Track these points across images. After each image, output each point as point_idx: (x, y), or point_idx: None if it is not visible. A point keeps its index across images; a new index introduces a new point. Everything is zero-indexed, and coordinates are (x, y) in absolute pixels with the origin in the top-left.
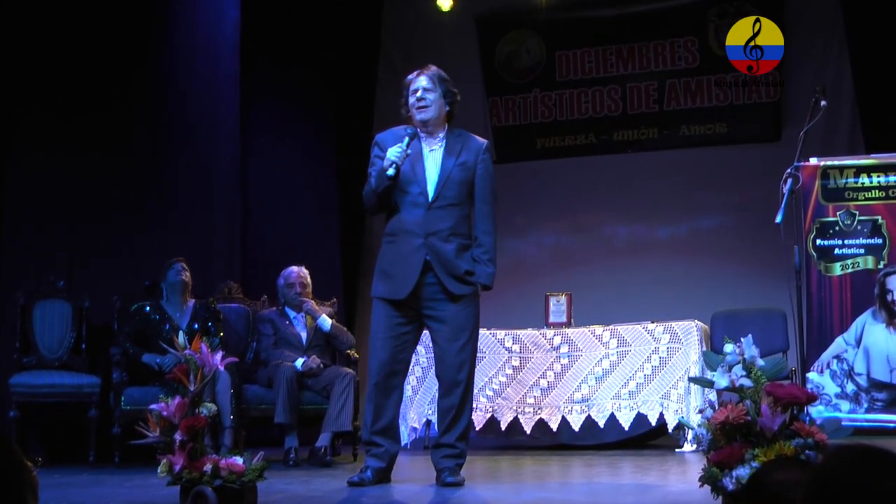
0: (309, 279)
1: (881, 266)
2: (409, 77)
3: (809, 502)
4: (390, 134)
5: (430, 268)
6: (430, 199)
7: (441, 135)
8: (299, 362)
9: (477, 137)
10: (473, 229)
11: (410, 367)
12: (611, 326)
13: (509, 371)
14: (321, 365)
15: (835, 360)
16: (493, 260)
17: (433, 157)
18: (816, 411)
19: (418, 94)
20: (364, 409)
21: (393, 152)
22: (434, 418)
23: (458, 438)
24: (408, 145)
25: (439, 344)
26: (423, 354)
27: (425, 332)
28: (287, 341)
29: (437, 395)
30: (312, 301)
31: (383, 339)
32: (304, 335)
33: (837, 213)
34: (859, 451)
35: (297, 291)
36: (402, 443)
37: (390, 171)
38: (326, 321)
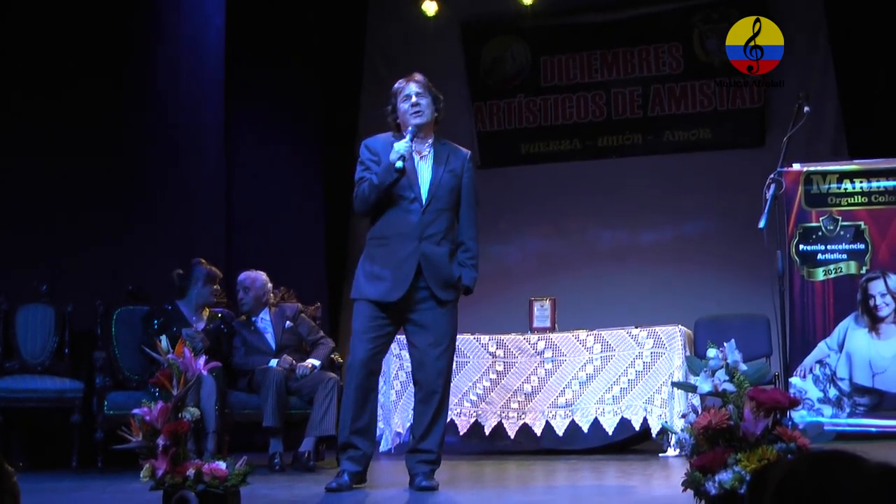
0: (247, 284)
1: (864, 271)
2: (398, 85)
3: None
4: (380, 140)
5: (420, 272)
6: (423, 202)
7: (429, 142)
8: (273, 363)
9: (460, 147)
10: (458, 234)
11: (395, 372)
12: (595, 331)
13: (493, 376)
14: (293, 363)
15: (817, 365)
16: (477, 266)
17: (424, 163)
18: (799, 416)
19: (413, 99)
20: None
21: (400, 146)
22: None
23: (436, 444)
24: (412, 139)
25: (419, 348)
26: (407, 359)
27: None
28: (256, 349)
29: None
30: (289, 359)
31: (365, 339)
32: (272, 341)
33: (820, 219)
34: (822, 457)
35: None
36: (387, 447)
37: (399, 164)
38: (308, 365)
